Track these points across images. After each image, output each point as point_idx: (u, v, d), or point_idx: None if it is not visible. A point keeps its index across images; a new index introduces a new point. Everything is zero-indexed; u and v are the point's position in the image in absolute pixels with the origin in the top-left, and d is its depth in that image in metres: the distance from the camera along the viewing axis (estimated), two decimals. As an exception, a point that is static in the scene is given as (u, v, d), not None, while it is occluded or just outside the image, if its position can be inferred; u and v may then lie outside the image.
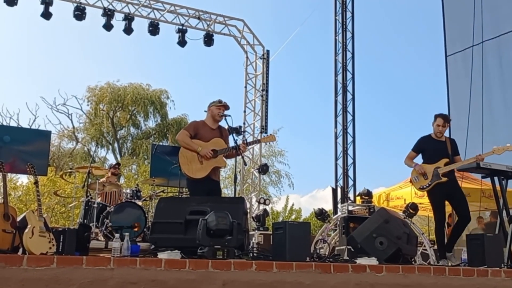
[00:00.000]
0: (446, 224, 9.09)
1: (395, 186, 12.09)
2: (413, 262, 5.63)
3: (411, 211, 8.32)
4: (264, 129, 13.37)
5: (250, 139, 12.91)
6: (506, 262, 5.32)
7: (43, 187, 17.20)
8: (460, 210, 6.54)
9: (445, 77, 13.29)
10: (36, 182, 5.04)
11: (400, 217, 6.51)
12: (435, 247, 7.33)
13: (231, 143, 6.18)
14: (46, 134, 12.59)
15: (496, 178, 6.18)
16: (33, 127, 22.80)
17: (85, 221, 7.94)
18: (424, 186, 6.50)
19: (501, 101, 12.03)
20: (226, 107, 6.24)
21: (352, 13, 14.11)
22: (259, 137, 12.92)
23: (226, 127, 6.27)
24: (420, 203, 10.27)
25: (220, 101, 6.26)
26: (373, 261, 4.58)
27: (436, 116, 6.73)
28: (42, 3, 11.42)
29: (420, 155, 6.79)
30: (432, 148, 6.65)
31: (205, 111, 6.34)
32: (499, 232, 6.02)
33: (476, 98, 11.85)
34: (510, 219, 5.97)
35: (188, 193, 6.71)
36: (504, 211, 6.14)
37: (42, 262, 3.36)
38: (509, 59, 11.86)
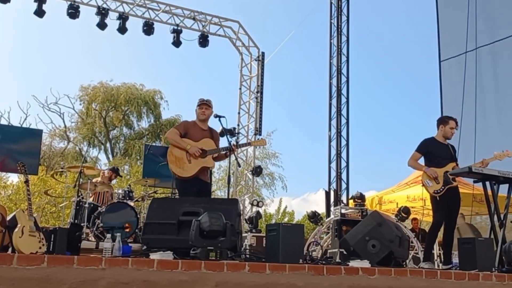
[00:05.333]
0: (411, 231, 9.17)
1: (387, 190, 12.14)
2: (404, 265, 5.64)
3: (403, 214, 8.39)
4: (258, 131, 13.36)
5: (244, 141, 12.92)
6: (497, 266, 5.33)
7: (34, 186, 17.05)
8: (453, 216, 6.50)
9: (438, 82, 13.38)
10: (26, 181, 5.00)
11: (392, 221, 6.51)
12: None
13: (225, 144, 6.14)
14: (38, 133, 12.51)
15: (487, 183, 6.18)
16: (24, 125, 22.65)
17: (76, 221, 7.87)
18: (438, 191, 6.28)
19: (494, 107, 12.11)
20: (204, 102, 6.14)
21: (347, 17, 14.16)
22: (253, 139, 12.91)
23: (220, 128, 6.23)
24: (412, 207, 10.31)
25: (200, 100, 6.20)
26: (365, 263, 4.58)
27: (449, 119, 6.63)
28: (35, 1, 11.34)
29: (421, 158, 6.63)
30: (438, 151, 6.52)
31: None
32: (490, 236, 6.02)
33: (469, 104, 11.92)
34: (501, 224, 5.97)
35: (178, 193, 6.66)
36: (495, 216, 6.13)
37: (33, 261, 3.32)
38: (503, 66, 11.95)
